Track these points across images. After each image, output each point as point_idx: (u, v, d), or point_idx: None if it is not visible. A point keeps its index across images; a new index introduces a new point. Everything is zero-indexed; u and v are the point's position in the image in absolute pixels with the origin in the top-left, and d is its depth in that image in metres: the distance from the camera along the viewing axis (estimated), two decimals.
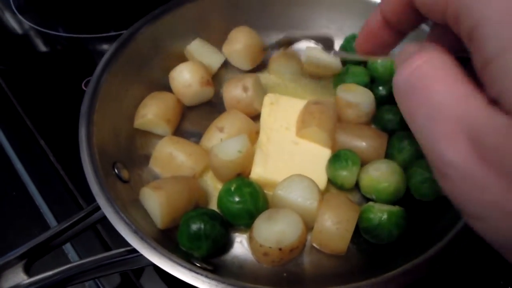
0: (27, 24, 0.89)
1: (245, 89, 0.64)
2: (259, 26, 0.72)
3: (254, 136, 0.62)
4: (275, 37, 0.73)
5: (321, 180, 0.57)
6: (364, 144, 0.59)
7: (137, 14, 0.67)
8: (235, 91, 0.64)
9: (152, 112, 0.62)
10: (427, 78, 0.24)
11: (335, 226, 0.50)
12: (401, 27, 0.33)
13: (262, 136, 0.61)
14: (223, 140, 0.59)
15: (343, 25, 0.73)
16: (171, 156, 0.59)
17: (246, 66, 0.72)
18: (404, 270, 0.43)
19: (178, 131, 0.66)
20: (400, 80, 0.26)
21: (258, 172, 0.57)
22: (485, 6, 0.22)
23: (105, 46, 0.84)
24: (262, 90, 0.67)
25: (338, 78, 0.69)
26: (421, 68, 0.25)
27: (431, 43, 0.27)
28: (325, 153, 0.59)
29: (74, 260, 0.58)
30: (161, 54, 0.68)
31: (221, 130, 0.61)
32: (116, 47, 0.62)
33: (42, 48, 0.86)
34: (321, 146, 0.60)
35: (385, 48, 0.36)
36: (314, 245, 0.53)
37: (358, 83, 0.66)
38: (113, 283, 0.55)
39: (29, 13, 0.91)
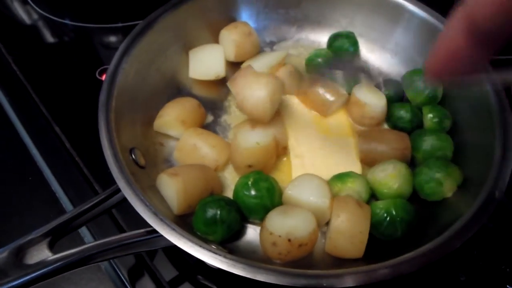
0: (35, 14, 0.90)
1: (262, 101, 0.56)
2: (274, 19, 0.74)
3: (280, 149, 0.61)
4: (286, 30, 0.76)
5: (356, 167, 0.59)
6: (389, 148, 0.59)
7: (146, 6, 0.68)
8: (249, 103, 0.57)
9: (169, 114, 0.62)
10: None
11: (348, 240, 0.49)
12: (495, 38, 0.24)
13: (291, 139, 0.62)
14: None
15: (354, 20, 0.74)
16: (195, 147, 0.59)
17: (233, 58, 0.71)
18: (413, 255, 0.44)
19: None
20: None
21: None
22: None
23: (112, 37, 0.85)
24: (280, 95, 0.61)
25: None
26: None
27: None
28: (351, 141, 0.62)
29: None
30: (177, 44, 0.70)
31: (252, 127, 0.60)
32: (133, 36, 0.63)
33: (50, 38, 0.87)
34: (346, 136, 0.63)
35: (473, 69, 0.26)
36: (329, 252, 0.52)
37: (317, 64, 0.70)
38: (127, 264, 0.56)
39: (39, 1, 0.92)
